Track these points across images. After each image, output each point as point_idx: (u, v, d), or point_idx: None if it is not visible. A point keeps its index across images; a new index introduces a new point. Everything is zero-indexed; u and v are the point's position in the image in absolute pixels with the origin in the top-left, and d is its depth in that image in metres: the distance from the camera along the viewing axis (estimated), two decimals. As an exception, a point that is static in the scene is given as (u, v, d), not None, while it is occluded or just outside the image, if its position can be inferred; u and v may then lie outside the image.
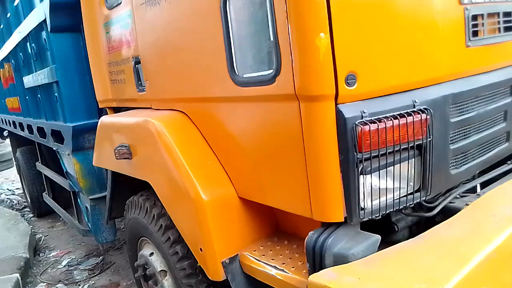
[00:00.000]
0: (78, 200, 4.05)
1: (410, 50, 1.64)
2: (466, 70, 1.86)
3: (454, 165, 1.84)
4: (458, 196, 1.99)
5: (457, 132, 1.82)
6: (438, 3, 1.74)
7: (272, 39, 1.53)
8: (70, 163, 3.68)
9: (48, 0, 3.10)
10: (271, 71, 1.57)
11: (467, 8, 1.78)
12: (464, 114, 1.83)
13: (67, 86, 3.34)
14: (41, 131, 4.27)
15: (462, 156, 1.88)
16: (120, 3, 2.52)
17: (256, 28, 1.65)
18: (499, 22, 1.92)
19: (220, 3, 1.70)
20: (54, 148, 4.04)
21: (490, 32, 1.90)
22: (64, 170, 4.04)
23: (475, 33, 1.82)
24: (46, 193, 5.62)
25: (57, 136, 3.73)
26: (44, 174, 5.42)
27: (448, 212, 1.83)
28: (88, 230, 3.89)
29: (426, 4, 1.69)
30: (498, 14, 1.91)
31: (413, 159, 1.62)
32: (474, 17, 1.81)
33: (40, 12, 3.34)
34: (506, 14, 1.94)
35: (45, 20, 3.25)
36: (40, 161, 5.51)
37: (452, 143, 1.80)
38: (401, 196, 1.64)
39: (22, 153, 6.24)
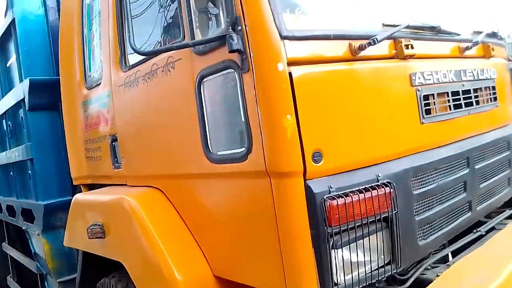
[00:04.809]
0: (46, 283, 3.86)
1: (370, 128, 1.77)
2: (423, 145, 1.99)
3: (421, 236, 1.91)
4: (429, 267, 2.04)
5: (421, 203, 1.91)
6: (392, 85, 1.92)
7: (243, 119, 1.64)
8: (39, 244, 3.56)
9: (28, 80, 3.22)
10: (243, 149, 1.66)
11: (418, 89, 1.96)
12: (425, 186, 1.93)
13: (42, 164, 3.36)
14: (10, 209, 4.16)
15: (428, 227, 1.96)
16: (100, 84, 2.64)
17: (228, 109, 1.76)
18: (448, 101, 2.11)
19: (195, 85, 1.82)
20: (23, 228, 3.91)
21: (442, 110, 2.08)
22: (32, 251, 3.89)
23: (428, 111, 1.99)
24: (10, 277, 5.29)
25: (28, 214, 3.64)
26: (10, 256, 5.16)
27: (420, 284, 1.87)
28: (54, 317, 3.66)
29: (382, 87, 1.87)
30: (447, 93, 2.11)
31: (381, 231, 1.68)
32: (426, 97, 1.98)
33: (19, 91, 3.44)
34: (454, 93, 2.14)
35: (23, 99, 3.33)
36: (7, 241, 5.27)
37: (417, 214, 1.88)
38: (373, 269, 1.67)
39: (-13, 233, 5.95)
